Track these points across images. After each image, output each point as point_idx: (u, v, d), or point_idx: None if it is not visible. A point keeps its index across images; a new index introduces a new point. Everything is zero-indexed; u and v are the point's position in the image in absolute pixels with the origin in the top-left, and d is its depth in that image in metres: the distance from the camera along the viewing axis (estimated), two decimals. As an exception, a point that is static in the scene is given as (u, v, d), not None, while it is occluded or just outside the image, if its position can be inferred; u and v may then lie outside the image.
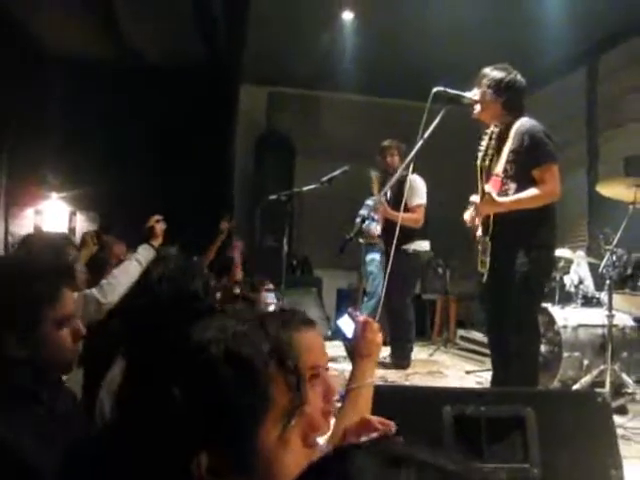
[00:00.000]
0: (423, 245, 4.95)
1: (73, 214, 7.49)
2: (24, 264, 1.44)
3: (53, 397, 1.36)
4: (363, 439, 1.14)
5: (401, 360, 4.77)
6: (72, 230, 7.13)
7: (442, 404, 1.81)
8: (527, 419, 1.79)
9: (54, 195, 7.35)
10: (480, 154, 3.21)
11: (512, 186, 2.99)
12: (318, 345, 0.95)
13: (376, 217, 5.09)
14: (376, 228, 5.20)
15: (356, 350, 1.53)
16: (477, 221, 3.10)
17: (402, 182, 4.03)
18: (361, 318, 1.58)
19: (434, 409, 1.80)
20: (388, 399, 1.62)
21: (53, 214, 7.38)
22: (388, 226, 4.69)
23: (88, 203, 7.38)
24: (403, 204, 3.70)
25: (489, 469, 1.64)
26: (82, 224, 7.34)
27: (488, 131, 3.18)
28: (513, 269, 2.94)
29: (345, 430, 1.22)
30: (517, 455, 1.76)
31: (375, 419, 1.21)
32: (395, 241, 3.01)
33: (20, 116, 6.63)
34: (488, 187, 2.97)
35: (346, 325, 1.64)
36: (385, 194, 4.62)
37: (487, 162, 3.14)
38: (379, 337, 1.55)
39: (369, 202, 5.18)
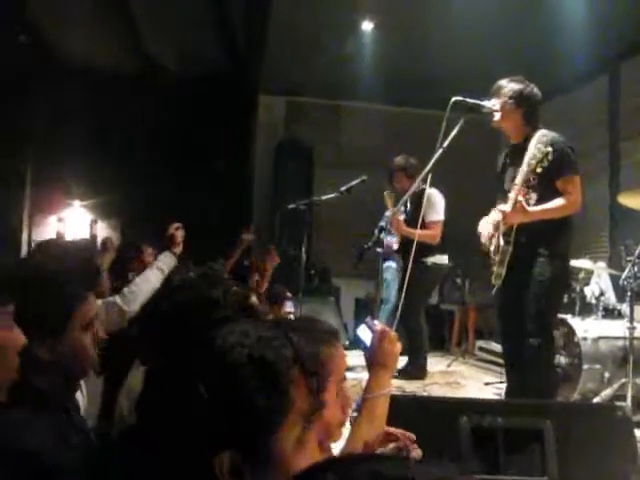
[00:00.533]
0: (442, 259, 4.90)
1: (94, 222, 7.59)
2: (53, 267, 1.42)
3: (72, 405, 1.38)
4: (379, 450, 1.15)
5: (418, 371, 4.74)
6: (93, 238, 7.22)
7: (459, 415, 1.80)
8: (545, 431, 1.78)
9: (76, 203, 7.47)
10: (500, 164, 3.25)
11: (533, 196, 2.98)
12: (343, 358, 0.98)
13: (393, 229, 5.06)
14: (394, 241, 5.15)
15: (373, 360, 1.50)
16: (492, 236, 3.10)
17: (420, 196, 3.97)
18: (378, 327, 1.55)
19: (451, 420, 1.79)
20: (405, 409, 1.62)
21: (75, 222, 7.49)
22: (405, 241, 4.64)
23: (109, 211, 7.49)
24: (420, 219, 3.66)
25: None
26: (103, 232, 7.43)
27: (509, 144, 3.21)
28: (532, 278, 2.95)
29: (365, 444, 1.22)
30: (535, 467, 1.74)
31: (397, 431, 1.22)
32: (412, 257, 3.07)
33: (45, 127, 6.78)
34: (519, 197, 2.95)
35: (366, 335, 1.62)
36: (404, 206, 4.58)
37: (510, 172, 3.14)
38: (397, 347, 1.52)
39: (388, 213, 5.16)
